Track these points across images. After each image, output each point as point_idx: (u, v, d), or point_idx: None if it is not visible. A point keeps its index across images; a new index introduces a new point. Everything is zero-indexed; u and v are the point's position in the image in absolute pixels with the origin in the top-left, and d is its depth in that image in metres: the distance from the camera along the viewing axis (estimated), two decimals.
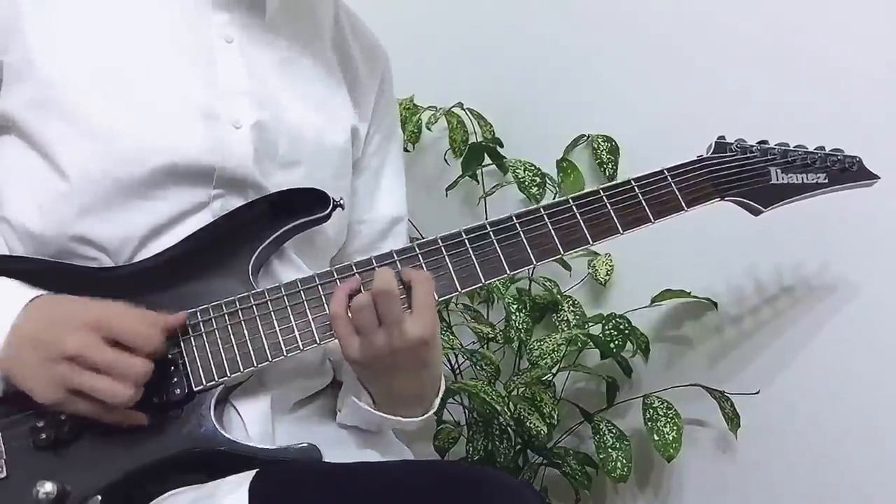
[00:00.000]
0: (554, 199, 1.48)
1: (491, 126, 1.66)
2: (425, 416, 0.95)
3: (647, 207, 0.95)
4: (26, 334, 0.81)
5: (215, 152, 0.91)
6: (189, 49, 0.93)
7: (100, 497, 0.81)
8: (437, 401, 0.95)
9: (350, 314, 0.85)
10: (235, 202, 0.93)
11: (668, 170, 0.98)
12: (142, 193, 0.89)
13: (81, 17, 0.91)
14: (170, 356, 0.85)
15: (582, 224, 0.93)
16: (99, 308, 0.82)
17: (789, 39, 1.36)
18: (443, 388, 0.96)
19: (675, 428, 1.36)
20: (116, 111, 0.89)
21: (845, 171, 1.08)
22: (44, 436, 0.82)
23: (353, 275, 0.89)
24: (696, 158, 1.01)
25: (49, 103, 0.89)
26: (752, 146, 1.05)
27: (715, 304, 1.44)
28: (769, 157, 1.04)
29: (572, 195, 0.94)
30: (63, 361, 0.79)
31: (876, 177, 1.11)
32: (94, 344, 0.79)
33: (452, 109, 1.62)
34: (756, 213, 1.04)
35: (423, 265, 0.90)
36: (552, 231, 0.92)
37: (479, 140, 1.63)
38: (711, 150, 1.03)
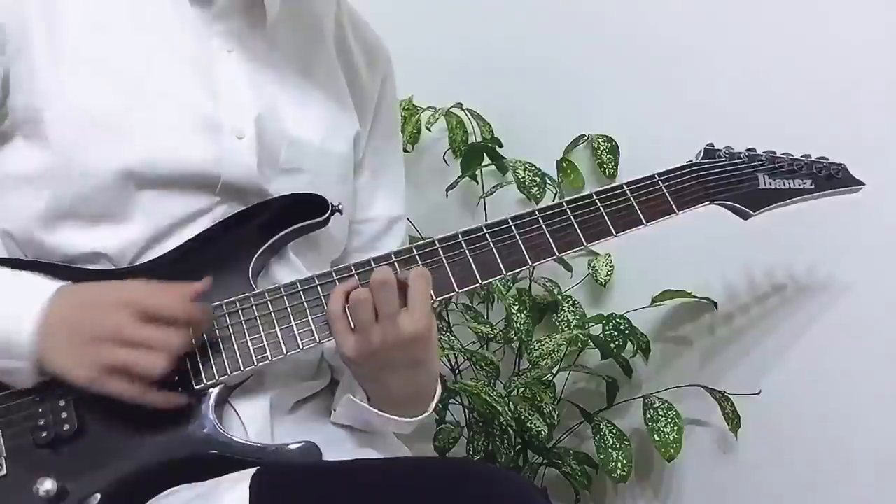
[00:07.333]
0: (554, 198, 1.49)
1: (490, 126, 1.66)
2: (419, 417, 0.94)
3: (639, 210, 0.97)
4: (60, 319, 0.82)
5: (219, 163, 0.91)
6: (190, 62, 0.93)
7: (99, 495, 0.81)
8: (433, 404, 0.94)
9: (348, 309, 0.85)
10: (237, 208, 0.93)
11: (660, 174, 1.00)
12: (145, 203, 0.89)
13: (87, 31, 0.91)
14: None
15: (576, 226, 0.95)
16: (129, 287, 0.85)
17: (789, 39, 1.36)
18: (439, 391, 0.95)
19: (675, 428, 1.36)
20: (120, 126, 0.89)
21: (831, 178, 1.10)
22: (44, 434, 0.82)
23: (352, 275, 0.89)
24: (685, 164, 1.02)
25: (53, 117, 0.88)
26: (740, 153, 1.07)
27: (715, 305, 1.44)
28: (756, 163, 1.06)
29: (566, 199, 0.96)
30: (98, 342, 0.80)
31: (861, 183, 1.12)
32: (129, 322, 0.81)
33: (451, 110, 1.62)
34: (745, 216, 1.05)
35: (421, 266, 0.90)
36: (547, 233, 0.94)
37: (478, 140, 1.64)
38: (701, 156, 1.05)
